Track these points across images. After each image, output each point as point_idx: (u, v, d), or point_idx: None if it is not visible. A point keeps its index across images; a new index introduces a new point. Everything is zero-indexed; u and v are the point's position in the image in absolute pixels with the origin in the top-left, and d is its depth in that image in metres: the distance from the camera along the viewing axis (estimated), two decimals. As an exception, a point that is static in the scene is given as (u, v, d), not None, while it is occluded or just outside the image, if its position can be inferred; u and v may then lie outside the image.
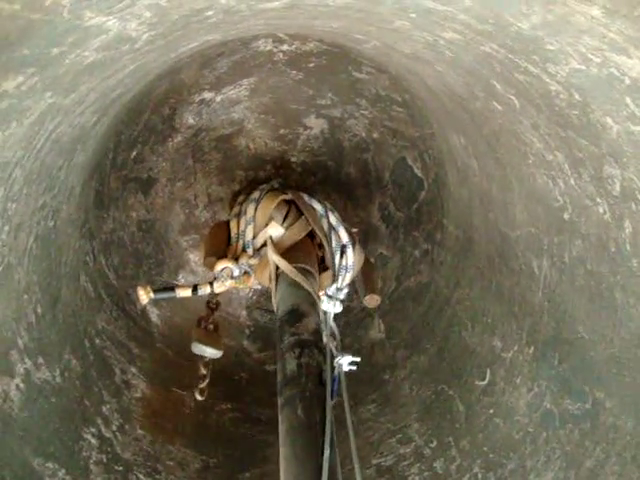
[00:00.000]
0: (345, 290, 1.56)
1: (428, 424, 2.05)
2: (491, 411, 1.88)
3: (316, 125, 2.38)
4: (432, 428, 2.02)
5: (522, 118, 1.46)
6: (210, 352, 1.76)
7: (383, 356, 2.40)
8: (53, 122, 1.30)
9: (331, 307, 1.54)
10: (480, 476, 1.79)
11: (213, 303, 1.86)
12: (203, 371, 1.79)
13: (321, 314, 1.54)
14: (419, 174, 2.42)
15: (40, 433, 1.57)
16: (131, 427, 1.88)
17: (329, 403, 1.20)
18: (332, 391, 1.28)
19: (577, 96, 1.18)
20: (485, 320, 2.04)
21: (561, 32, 1.02)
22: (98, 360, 1.95)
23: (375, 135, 2.40)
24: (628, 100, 1.06)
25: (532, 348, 1.78)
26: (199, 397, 1.81)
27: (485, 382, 1.95)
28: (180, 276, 2.48)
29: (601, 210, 1.36)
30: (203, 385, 1.81)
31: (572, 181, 1.45)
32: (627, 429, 1.40)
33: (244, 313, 2.51)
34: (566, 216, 1.54)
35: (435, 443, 1.98)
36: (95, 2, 0.92)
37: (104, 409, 1.84)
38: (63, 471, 1.61)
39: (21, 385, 1.53)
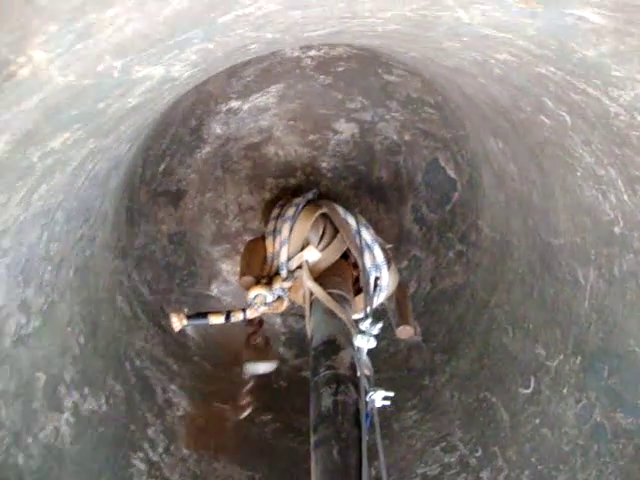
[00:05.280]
0: (379, 325, 1.50)
1: (472, 432, 2.01)
2: (537, 421, 1.84)
3: (346, 129, 2.33)
4: (476, 437, 1.99)
5: (573, 133, 1.40)
6: (263, 367, 1.66)
7: (421, 360, 2.37)
8: (93, 162, 1.27)
9: (364, 343, 1.48)
10: None
11: (255, 321, 1.78)
12: (247, 394, 1.71)
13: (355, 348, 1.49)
14: (452, 175, 2.36)
15: (91, 465, 1.57)
16: (176, 448, 1.88)
17: (364, 446, 1.14)
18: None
19: (640, 119, 1.13)
20: (527, 326, 1.99)
21: (632, 61, 0.96)
22: (140, 381, 1.93)
23: (406, 137, 2.34)
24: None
25: (579, 358, 1.74)
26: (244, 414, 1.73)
27: (529, 390, 1.92)
28: (213, 286, 2.46)
29: (657, 227, 1.31)
30: (246, 404, 1.73)
31: (625, 197, 1.39)
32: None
33: (279, 320, 2.48)
34: (617, 230, 1.49)
35: (480, 452, 1.95)
36: (145, 57, 0.88)
37: (149, 432, 1.83)
38: None
39: (70, 419, 1.52)
